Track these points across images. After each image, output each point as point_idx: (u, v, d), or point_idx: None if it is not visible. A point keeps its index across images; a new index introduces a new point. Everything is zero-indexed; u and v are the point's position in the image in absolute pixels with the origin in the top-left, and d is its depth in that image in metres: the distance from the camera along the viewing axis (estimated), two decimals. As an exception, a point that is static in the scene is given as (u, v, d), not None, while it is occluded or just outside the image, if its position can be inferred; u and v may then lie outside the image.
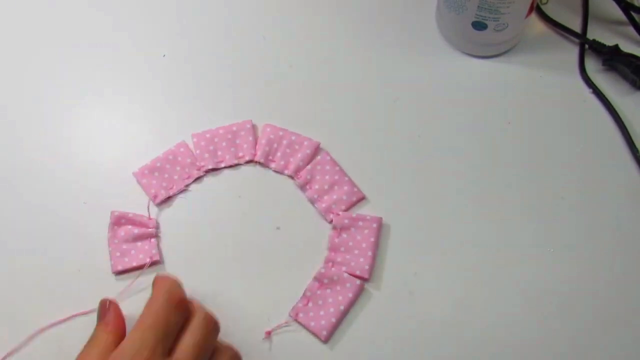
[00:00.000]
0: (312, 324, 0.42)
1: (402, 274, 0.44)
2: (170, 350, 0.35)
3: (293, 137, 0.48)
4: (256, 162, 0.48)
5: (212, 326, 0.37)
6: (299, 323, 0.43)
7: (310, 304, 0.43)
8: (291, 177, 0.48)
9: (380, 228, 0.45)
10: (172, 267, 0.45)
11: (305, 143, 0.48)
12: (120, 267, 0.44)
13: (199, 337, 0.35)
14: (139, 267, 0.44)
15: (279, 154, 0.48)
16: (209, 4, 0.56)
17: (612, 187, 0.48)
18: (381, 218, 0.45)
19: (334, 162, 0.48)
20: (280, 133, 0.49)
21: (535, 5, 0.50)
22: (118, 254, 0.44)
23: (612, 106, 0.51)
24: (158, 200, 0.46)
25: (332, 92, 0.52)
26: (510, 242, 0.46)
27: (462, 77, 0.52)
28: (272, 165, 0.48)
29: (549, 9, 0.55)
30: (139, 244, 0.45)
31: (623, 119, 0.50)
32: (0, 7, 0.56)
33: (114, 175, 0.48)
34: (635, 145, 0.49)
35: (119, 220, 0.45)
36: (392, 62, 0.53)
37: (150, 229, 0.45)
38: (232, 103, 0.51)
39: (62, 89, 0.52)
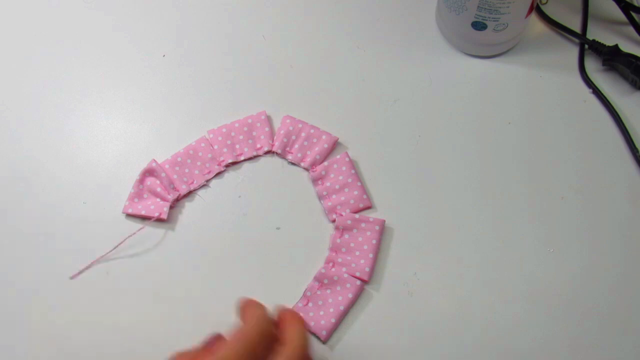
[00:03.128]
0: (312, 324, 0.42)
1: (402, 274, 0.44)
2: None
3: (312, 130, 0.49)
4: (274, 152, 0.49)
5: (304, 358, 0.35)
6: None
7: (310, 304, 0.43)
8: (307, 169, 0.48)
9: (382, 230, 0.45)
10: (175, 264, 0.45)
11: (324, 137, 0.48)
12: (130, 211, 0.46)
13: None
14: (146, 217, 0.46)
15: (296, 145, 0.48)
16: (209, 4, 0.56)
17: (612, 187, 0.48)
18: (384, 220, 0.45)
19: (351, 165, 0.48)
20: (300, 125, 0.49)
21: (535, 5, 0.50)
22: (136, 199, 0.46)
23: (612, 106, 0.51)
24: (179, 195, 0.47)
25: (333, 93, 0.52)
26: (510, 242, 0.46)
27: (462, 77, 0.52)
28: (289, 156, 0.48)
29: (549, 9, 0.55)
30: (158, 199, 0.46)
31: (623, 119, 0.50)
32: (0, 7, 0.56)
33: (114, 175, 0.48)
34: (635, 145, 0.49)
35: (152, 172, 0.47)
36: (392, 62, 0.53)
37: (169, 196, 0.46)
38: (232, 103, 0.51)
39: (62, 89, 0.52)
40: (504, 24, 0.49)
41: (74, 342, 0.38)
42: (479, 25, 0.50)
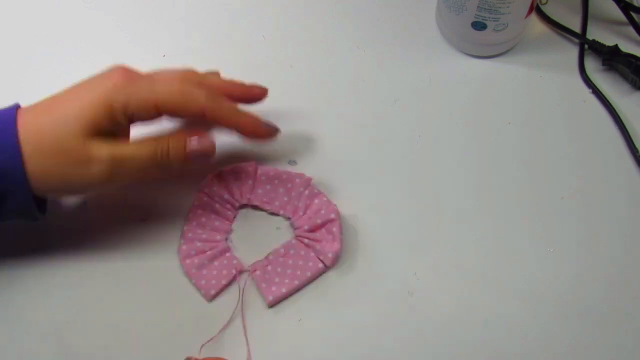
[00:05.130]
0: (264, 285, 0.43)
1: (402, 274, 0.44)
2: None
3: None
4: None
5: None
6: (254, 279, 0.44)
7: (269, 267, 0.44)
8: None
9: (338, 215, 0.45)
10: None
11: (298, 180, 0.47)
12: (213, 292, 0.43)
13: None
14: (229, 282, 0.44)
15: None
16: (209, 4, 0.56)
17: (612, 187, 0.48)
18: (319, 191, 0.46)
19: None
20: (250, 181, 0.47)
21: (535, 5, 0.50)
22: (203, 281, 0.44)
23: (612, 106, 0.51)
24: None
25: (333, 93, 0.52)
26: (510, 242, 0.46)
27: (462, 77, 0.52)
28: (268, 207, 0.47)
29: (548, 9, 0.55)
30: (215, 263, 0.44)
31: (623, 119, 0.50)
32: (0, 7, 0.56)
33: (114, 175, 0.48)
34: (635, 145, 0.49)
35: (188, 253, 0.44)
36: (392, 62, 0.53)
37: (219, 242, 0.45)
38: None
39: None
40: (504, 24, 0.49)
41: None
42: (479, 25, 0.50)
